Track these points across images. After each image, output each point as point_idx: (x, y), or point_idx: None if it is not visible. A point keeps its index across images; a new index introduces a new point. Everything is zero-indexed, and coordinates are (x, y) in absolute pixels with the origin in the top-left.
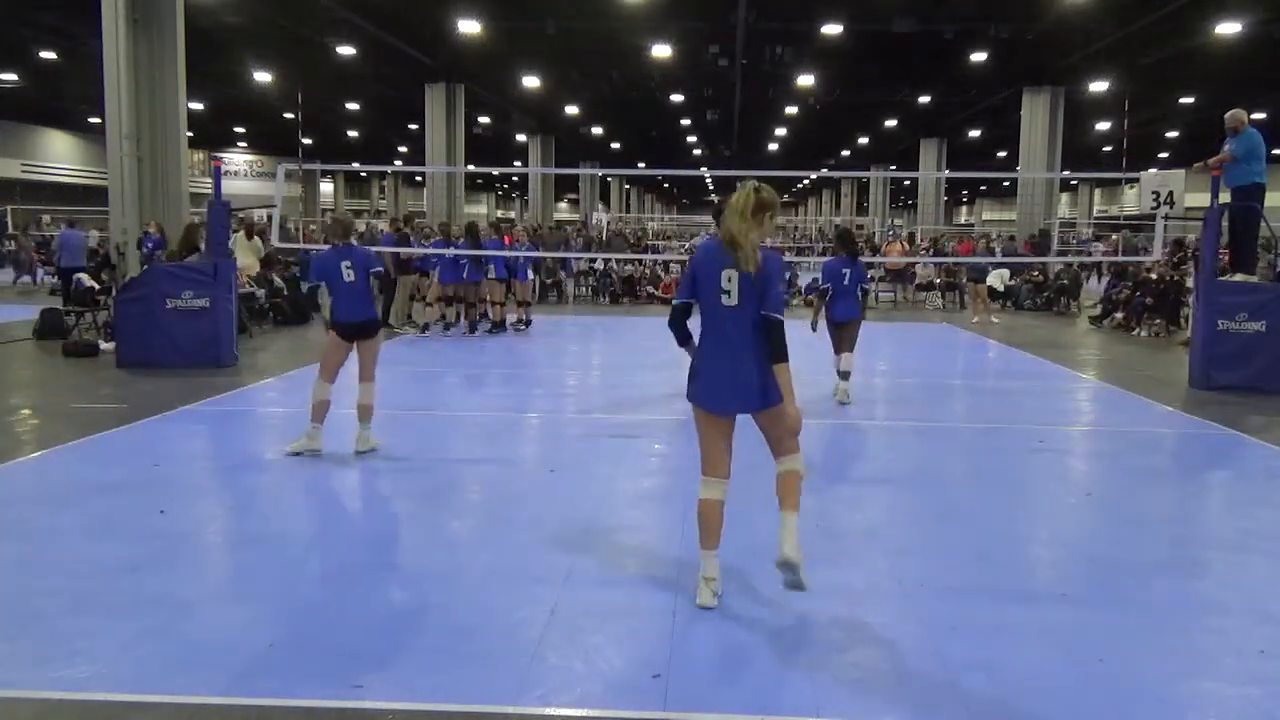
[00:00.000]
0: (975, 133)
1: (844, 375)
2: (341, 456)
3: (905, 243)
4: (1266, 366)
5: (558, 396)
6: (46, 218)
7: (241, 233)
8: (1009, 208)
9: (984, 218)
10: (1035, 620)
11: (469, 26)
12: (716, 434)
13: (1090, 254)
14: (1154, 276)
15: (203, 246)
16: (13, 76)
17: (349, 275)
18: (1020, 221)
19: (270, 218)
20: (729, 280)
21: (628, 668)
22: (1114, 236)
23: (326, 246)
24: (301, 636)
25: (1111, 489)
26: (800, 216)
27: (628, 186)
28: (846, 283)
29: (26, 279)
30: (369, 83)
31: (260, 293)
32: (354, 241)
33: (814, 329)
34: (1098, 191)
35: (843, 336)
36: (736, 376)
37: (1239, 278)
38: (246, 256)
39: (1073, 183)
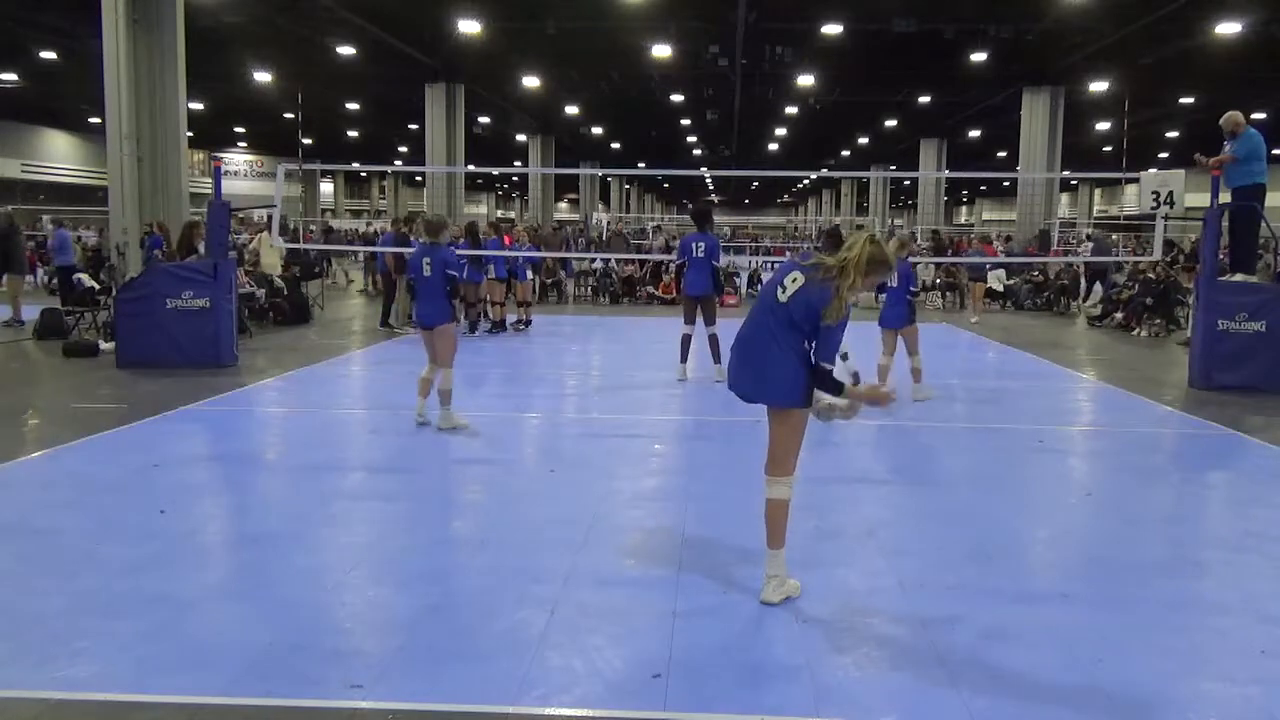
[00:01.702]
0: (975, 133)
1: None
2: (340, 457)
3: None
4: (1266, 366)
5: (558, 396)
6: (46, 217)
7: (264, 233)
8: (1009, 208)
9: (984, 218)
10: (1035, 620)
11: (469, 26)
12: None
13: (1077, 253)
14: (1153, 276)
15: (200, 247)
16: (13, 76)
17: (427, 270)
18: (1020, 221)
19: (270, 218)
20: (793, 281)
21: (628, 668)
22: (1087, 235)
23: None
24: (301, 636)
25: (1111, 489)
26: (800, 216)
27: (628, 186)
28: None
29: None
30: (369, 83)
31: (260, 293)
32: (442, 240)
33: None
34: (1098, 191)
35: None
36: (761, 366)
37: (1239, 278)
38: (270, 257)
39: (1073, 183)
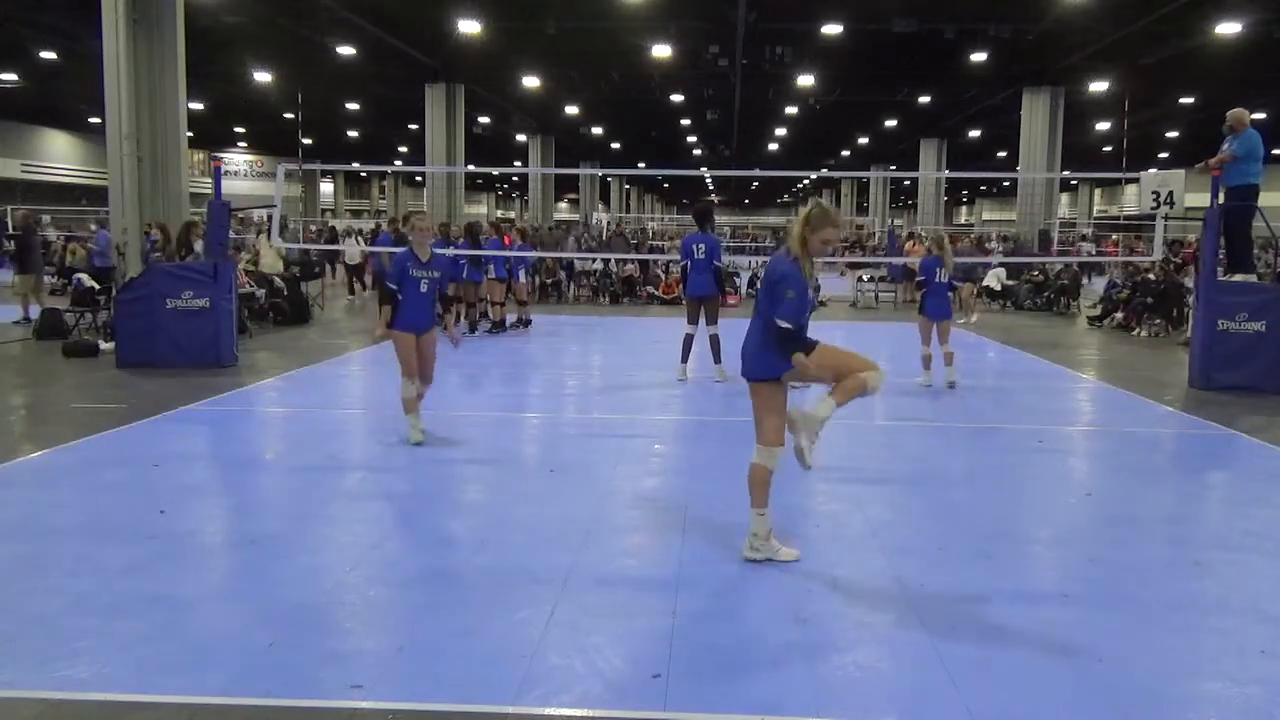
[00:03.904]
0: (975, 133)
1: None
2: (339, 458)
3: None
4: (1266, 366)
5: (558, 396)
6: (47, 218)
7: (263, 234)
8: (1009, 208)
9: (984, 218)
10: (1035, 620)
11: (469, 26)
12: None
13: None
14: (1152, 276)
15: (197, 246)
16: (13, 76)
17: (424, 287)
18: (1020, 221)
19: (270, 218)
20: (763, 274)
21: (628, 668)
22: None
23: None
24: (301, 636)
25: (1111, 489)
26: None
27: (628, 186)
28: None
29: None
30: (369, 83)
31: (260, 293)
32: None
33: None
34: (1098, 191)
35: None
36: (744, 350)
37: (1238, 278)
38: (270, 257)
39: (1073, 183)
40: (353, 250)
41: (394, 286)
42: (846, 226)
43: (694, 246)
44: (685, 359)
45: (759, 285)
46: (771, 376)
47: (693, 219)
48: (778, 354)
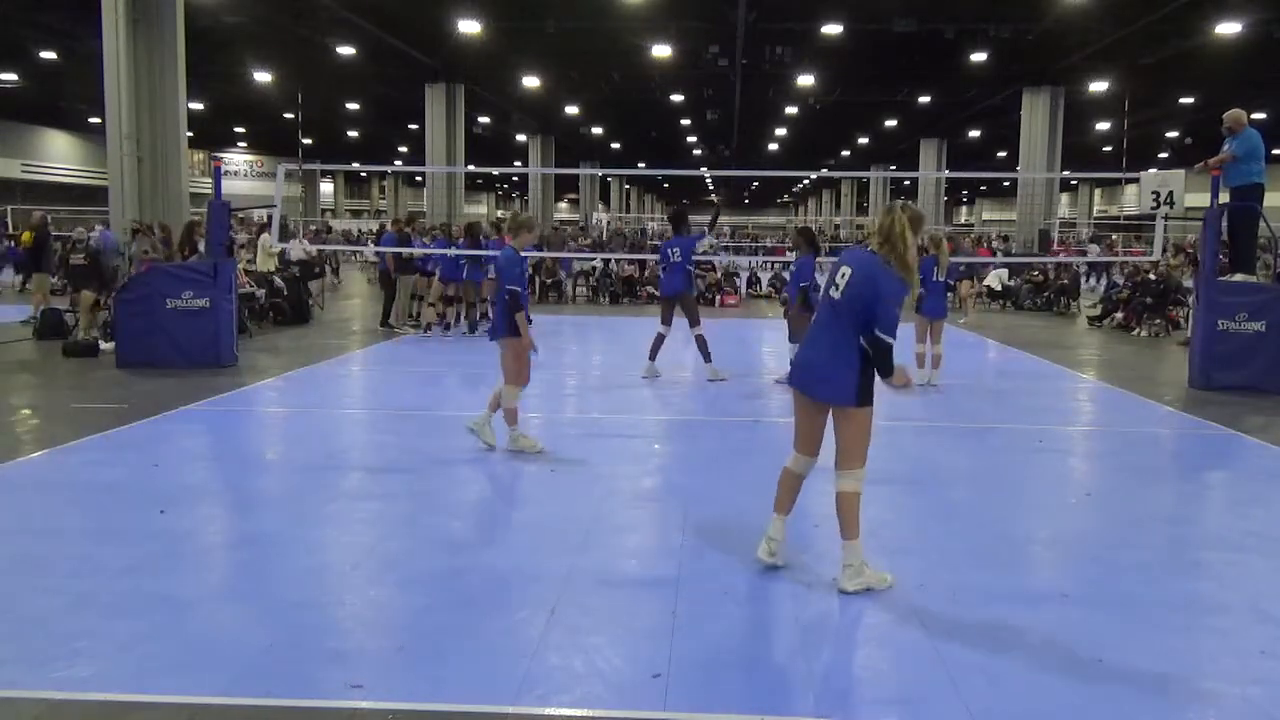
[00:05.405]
0: (975, 133)
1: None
2: (339, 457)
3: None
4: (1266, 366)
5: (557, 396)
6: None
7: (264, 236)
8: (1009, 208)
9: (984, 218)
10: (1035, 620)
11: (469, 26)
12: (798, 410)
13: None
14: (1153, 277)
15: (201, 246)
16: (13, 76)
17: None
18: (1020, 221)
19: (270, 218)
20: (843, 276)
21: (628, 668)
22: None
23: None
24: (301, 636)
25: (1111, 489)
26: (800, 217)
27: (628, 186)
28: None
29: None
30: (369, 83)
31: (260, 293)
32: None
33: None
34: (1098, 191)
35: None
36: (813, 360)
37: (1239, 278)
38: (262, 256)
39: (1073, 183)
40: (296, 250)
41: (519, 289)
42: (847, 228)
43: (669, 251)
44: (653, 357)
45: (839, 290)
46: (859, 404)
47: (668, 221)
48: (876, 371)
